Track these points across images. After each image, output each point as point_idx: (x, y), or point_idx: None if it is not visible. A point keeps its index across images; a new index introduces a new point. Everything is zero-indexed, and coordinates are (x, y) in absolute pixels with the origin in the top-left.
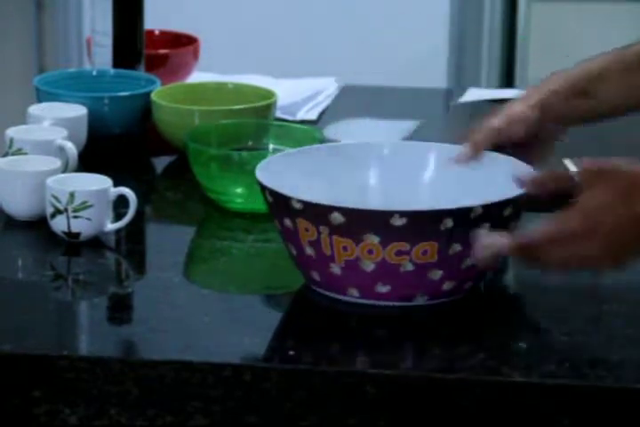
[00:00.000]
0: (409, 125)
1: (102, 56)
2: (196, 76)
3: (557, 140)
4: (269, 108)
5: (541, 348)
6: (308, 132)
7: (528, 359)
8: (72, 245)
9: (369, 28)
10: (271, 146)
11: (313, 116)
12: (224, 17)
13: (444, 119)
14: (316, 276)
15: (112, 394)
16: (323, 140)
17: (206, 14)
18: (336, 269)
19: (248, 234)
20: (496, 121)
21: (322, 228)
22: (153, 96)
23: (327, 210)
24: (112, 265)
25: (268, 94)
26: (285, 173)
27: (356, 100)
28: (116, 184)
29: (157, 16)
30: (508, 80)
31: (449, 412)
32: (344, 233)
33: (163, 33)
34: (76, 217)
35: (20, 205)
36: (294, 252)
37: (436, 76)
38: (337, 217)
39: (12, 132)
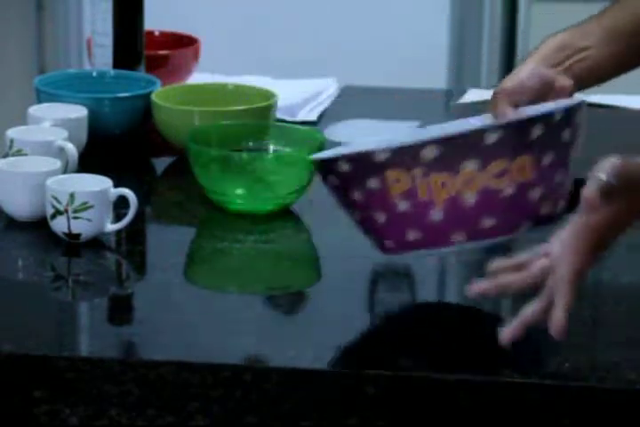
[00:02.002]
0: (409, 126)
1: (102, 57)
2: (197, 77)
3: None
4: (270, 109)
5: (541, 348)
6: (309, 133)
7: (528, 360)
8: (72, 245)
9: (369, 29)
10: (271, 147)
11: (313, 116)
12: (224, 17)
13: (444, 120)
14: (413, 234)
15: (112, 394)
16: (323, 141)
17: (206, 14)
18: (436, 215)
19: (248, 235)
20: (508, 82)
21: (415, 170)
22: (153, 97)
23: (418, 147)
24: (112, 266)
25: (269, 95)
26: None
27: (356, 101)
28: (116, 185)
29: (157, 16)
30: None
31: (449, 412)
32: (441, 167)
33: (163, 33)
34: (76, 218)
35: (21, 206)
36: (382, 218)
37: (436, 77)
38: (430, 151)
39: (12, 132)
